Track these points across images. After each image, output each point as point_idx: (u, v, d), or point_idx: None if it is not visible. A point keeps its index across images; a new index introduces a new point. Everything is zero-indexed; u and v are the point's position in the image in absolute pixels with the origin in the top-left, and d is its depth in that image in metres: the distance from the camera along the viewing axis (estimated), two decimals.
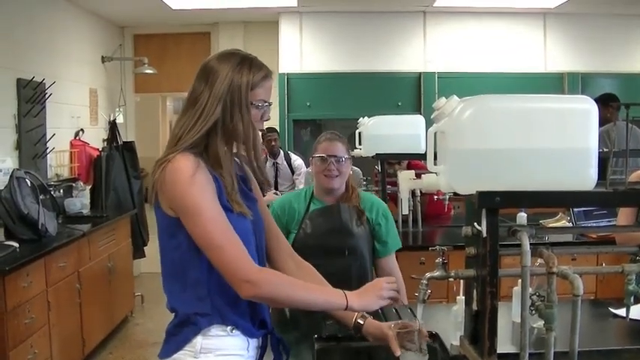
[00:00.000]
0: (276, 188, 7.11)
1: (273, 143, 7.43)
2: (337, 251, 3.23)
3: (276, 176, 7.39)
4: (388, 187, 5.41)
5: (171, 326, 2.13)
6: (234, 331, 2.10)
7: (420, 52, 8.47)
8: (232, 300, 2.07)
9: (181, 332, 2.08)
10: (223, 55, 2.15)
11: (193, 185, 1.97)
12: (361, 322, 2.39)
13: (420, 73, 8.38)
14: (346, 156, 3.39)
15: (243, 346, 2.14)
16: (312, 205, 3.42)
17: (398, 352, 2.20)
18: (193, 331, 2.07)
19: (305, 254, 2.79)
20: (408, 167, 5.61)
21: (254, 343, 2.19)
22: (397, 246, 3.52)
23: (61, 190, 6.35)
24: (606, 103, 5.93)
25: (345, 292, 2.11)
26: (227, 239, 1.98)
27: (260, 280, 1.97)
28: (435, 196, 5.01)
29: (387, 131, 5.34)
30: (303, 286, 2.13)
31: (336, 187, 3.38)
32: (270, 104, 2.18)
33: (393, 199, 5.47)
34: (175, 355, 2.07)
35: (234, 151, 2.18)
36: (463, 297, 2.65)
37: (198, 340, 2.06)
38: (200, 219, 1.97)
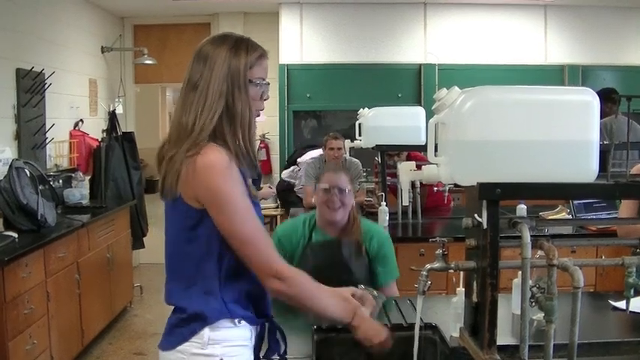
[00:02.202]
0: None
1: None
2: (335, 274, 3.19)
3: None
4: (388, 178, 5.41)
5: (176, 319, 2.11)
6: (241, 322, 2.11)
7: (421, 43, 8.45)
8: (241, 293, 2.11)
9: (188, 325, 2.07)
10: (217, 39, 2.13)
11: (228, 180, 1.99)
12: None
13: (421, 64, 8.38)
14: (349, 187, 3.39)
15: (248, 336, 2.15)
16: (314, 236, 3.43)
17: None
18: (201, 324, 2.06)
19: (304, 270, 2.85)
20: (408, 159, 5.60)
21: (255, 331, 2.19)
22: (396, 276, 3.47)
23: (61, 181, 6.34)
24: (606, 97, 5.93)
25: (357, 312, 2.19)
26: (260, 234, 2.04)
27: (290, 278, 2.04)
28: (435, 188, 5.06)
29: (388, 123, 5.34)
30: (324, 293, 2.19)
31: (339, 219, 3.38)
32: (268, 83, 2.18)
33: (392, 191, 5.48)
34: (180, 347, 2.07)
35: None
36: (463, 289, 2.66)
37: (206, 332, 2.06)
38: (235, 214, 2.00)
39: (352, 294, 2.33)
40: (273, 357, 2.26)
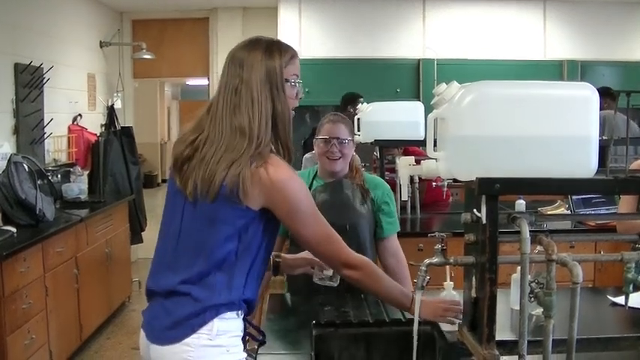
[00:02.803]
0: None
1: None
2: (338, 227, 3.18)
3: None
4: (386, 173, 5.40)
5: (183, 311, 2.11)
6: (241, 314, 2.17)
7: (420, 38, 8.44)
8: (255, 290, 2.21)
9: (198, 316, 2.09)
10: (249, 44, 2.23)
11: (304, 192, 2.22)
12: (278, 260, 2.84)
13: (419, 59, 8.36)
14: (349, 138, 3.38)
15: (242, 327, 2.20)
16: (314, 183, 3.44)
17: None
18: (212, 316, 2.09)
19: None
20: (404, 153, 5.59)
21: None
22: (397, 228, 3.56)
23: (59, 175, 6.34)
24: (605, 93, 5.93)
25: (413, 298, 2.40)
26: (331, 232, 2.30)
27: (358, 266, 2.35)
28: (434, 183, 5.05)
29: (386, 117, 5.33)
30: (387, 281, 2.47)
31: (339, 170, 3.39)
32: (301, 82, 2.33)
33: (391, 186, 5.46)
34: (188, 339, 2.08)
35: None
36: (451, 282, 2.67)
37: (215, 323, 2.09)
38: (313, 221, 2.23)
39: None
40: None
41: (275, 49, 2.21)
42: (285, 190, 2.12)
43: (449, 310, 2.47)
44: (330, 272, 2.78)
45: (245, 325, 2.24)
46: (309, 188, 3.40)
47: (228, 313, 2.12)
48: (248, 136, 2.09)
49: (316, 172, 3.49)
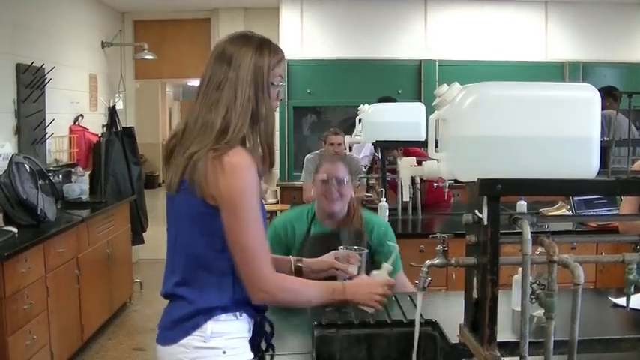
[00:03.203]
0: None
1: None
2: (334, 278, 3.16)
3: None
4: (388, 174, 5.40)
5: (178, 313, 2.11)
6: (241, 315, 2.14)
7: (421, 39, 8.46)
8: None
9: (192, 318, 2.08)
10: (239, 39, 2.16)
11: (249, 185, 2.03)
12: (300, 265, 2.65)
13: (421, 60, 8.38)
14: (348, 178, 3.35)
15: (247, 328, 2.18)
16: (312, 228, 3.39)
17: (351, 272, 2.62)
18: (206, 317, 2.08)
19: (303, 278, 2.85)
20: (405, 154, 5.60)
21: (251, 324, 2.22)
22: (400, 268, 3.38)
23: (60, 176, 6.34)
24: (607, 93, 5.92)
25: (344, 284, 2.31)
26: (259, 244, 2.07)
27: (275, 289, 2.11)
28: (435, 184, 5.05)
29: (388, 118, 5.33)
30: (309, 286, 2.27)
31: (338, 210, 3.34)
32: (283, 84, 2.23)
33: (392, 187, 5.47)
34: (183, 341, 2.08)
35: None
36: (390, 265, 2.62)
37: (209, 325, 2.07)
38: (245, 220, 2.03)
39: (335, 257, 2.59)
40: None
41: (266, 48, 2.15)
42: (230, 177, 2.00)
43: (378, 293, 2.33)
44: (355, 272, 2.67)
45: (259, 325, 2.25)
46: (307, 234, 3.38)
47: (224, 315, 2.09)
48: (221, 131, 2.04)
49: (314, 214, 3.44)
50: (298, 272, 2.63)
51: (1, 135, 5.51)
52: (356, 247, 2.82)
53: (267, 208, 8.19)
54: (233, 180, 2.01)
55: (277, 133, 8.64)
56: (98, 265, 5.86)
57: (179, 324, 2.10)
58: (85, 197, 6.39)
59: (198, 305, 2.09)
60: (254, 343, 2.25)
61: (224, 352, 2.08)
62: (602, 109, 1.95)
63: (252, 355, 2.19)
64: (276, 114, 8.32)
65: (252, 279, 2.06)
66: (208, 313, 2.08)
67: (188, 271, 2.13)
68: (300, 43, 8.36)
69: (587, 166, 1.90)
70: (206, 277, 2.10)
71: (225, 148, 2.01)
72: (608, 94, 6.08)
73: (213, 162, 2.01)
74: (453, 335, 2.39)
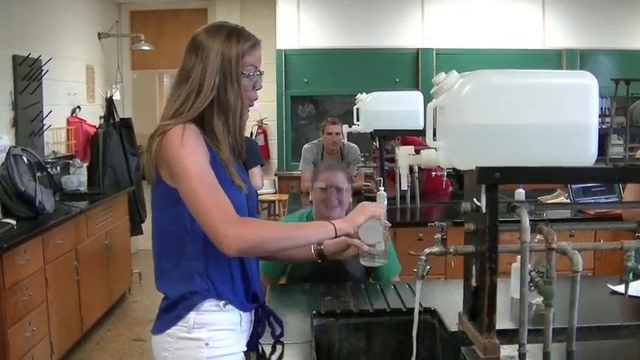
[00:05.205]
0: None
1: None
2: (332, 278, 3.18)
3: None
4: (386, 163, 5.41)
5: (164, 304, 2.13)
6: (227, 306, 2.11)
7: (418, 28, 8.43)
8: (228, 275, 2.11)
9: (175, 309, 2.08)
10: (211, 29, 2.15)
11: (184, 147, 1.96)
12: (321, 247, 2.52)
13: (418, 49, 8.36)
14: (347, 186, 3.36)
15: (236, 321, 2.15)
16: None
17: (364, 248, 2.30)
18: (186, 307, 2.07)
19: (301, 279, 2.83)
20: (403, 143, 5.60)
21: (247, 317, 2.20)
22: (397, 270, 3.43)
23: (58, 168, 6.34)
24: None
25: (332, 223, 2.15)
26: (212, 196, 1.95)
27: (242, 228, 1.94)
28: (434, 173, 5.05)
29: (385, 107, 5.33)
30: (289, 226, 2.25)
31: (336, 217, 3.33)
32: (261, 73, 2.17)
33: (390, 176, 5.47)
34: (169, 331, 2.08)
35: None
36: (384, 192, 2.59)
37: (192, 316, 2.07)
38: (188, 178, 1.95)
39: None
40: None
41: (234, 37, 2.10)
42: (167, 148, 1.98)
43: (369, 207, 2.22)
44: (374, 250, 2.38)
45: (254, 318, 2.25)
46: None
47: (206, 304, 2.07)
48: (175, 113, 2.05)
49: (312, 219, 3.44)
50: (321, 255, 2.54)
51: None
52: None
53: (266, 198, 8.20)
54: (171, 148, 1.97)
55: (275, 123, 8.65)
56: (97, 256, 5.86)
57: (164, 314, 2.12)
58: (83, 189, 6.39)
59: (174, 295, 2.09)
60: (254, 338, 2.26)
61: (206, 344, 2.07)
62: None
63: (240, 349, 2.17)
64: (274, 104, 8.37)
65: (214, 229, 1.92)
66: (186, 301, 2.07)
67: (164, 260, 2.13)
68: (297, 32, 8.33)
69: (585, 153, 1.90)
70: (177, 265, 2.09)
71: (168, 127, 2.01)
72: None
73: (157, 143, 2.01)
74: (452, 323, 2.39)
